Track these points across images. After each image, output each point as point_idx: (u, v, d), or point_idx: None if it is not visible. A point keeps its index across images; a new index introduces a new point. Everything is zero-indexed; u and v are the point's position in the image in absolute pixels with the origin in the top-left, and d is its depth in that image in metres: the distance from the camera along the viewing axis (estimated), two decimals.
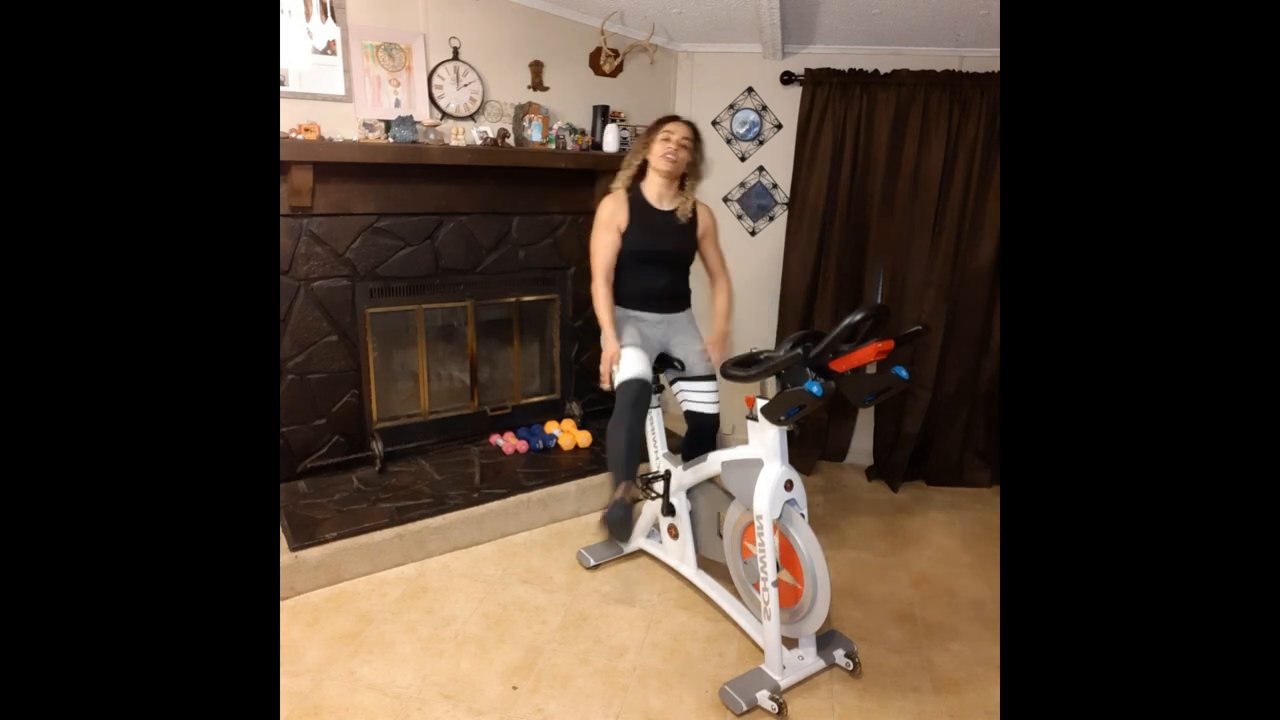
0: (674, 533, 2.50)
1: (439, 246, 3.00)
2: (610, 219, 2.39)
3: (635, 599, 2.42)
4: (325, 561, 2.40)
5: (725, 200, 3.55)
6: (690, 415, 2.47)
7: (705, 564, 2.46)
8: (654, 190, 2.43)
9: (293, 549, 2.39)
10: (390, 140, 2.69)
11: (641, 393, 2.32)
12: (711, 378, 2.47)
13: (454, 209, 2.99)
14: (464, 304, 3.17)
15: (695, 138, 2.43)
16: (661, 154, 2.37)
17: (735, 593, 2.31)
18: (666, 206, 2.44)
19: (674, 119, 2.43)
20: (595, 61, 3.28)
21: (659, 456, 2.49)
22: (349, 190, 2.74)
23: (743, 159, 3.49)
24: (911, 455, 3.37)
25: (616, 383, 2.36)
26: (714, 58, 3.44)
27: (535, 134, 3.02)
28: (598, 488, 3.01)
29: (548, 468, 3.06)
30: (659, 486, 2.45)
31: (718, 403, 2.49)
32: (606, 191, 2.48)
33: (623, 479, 2.32)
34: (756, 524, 1.99)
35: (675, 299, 2.51)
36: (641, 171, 2.45)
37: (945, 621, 2.38)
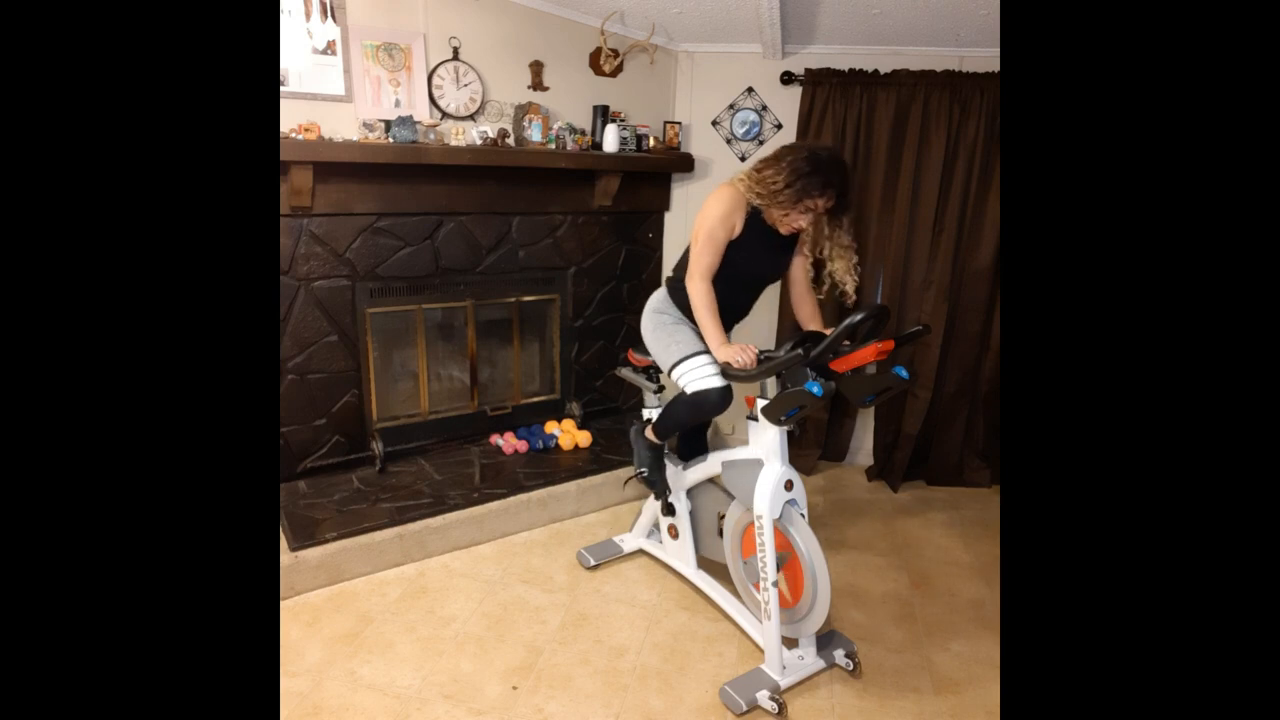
0: (674, 533, 2.50)
1: (439, 246, 3.00)
2: (727, 218, 2.05)
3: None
4: (325, 561, 2.40)
5: None
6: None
7: (705, 564, 2.46)
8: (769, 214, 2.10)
9: (293, 549, 2.39)
10: (390, 140, 2.69)
11: (724, 398, 2.07)
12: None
13: (454, 209, 2.99)
14: (464, 304, 3.16)
15: (838, 209, 2.05)
16: (790, 223, 2.04)
17: (735, 593, 2.31)
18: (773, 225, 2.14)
19: (837, 189, 1.98)
20: (595, 61, 3.27)
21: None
22: (349, 190, 2.74)
23: (742, 159, 3.48)
24: (911, 455, 3.37)
25: (692, 389, 2.11)
26: (714, 58, 3.44)
27: (535, 134, 3.01)
28: (598, 487, 3.01)
29: (548, 468, 3.06)
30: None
31: None
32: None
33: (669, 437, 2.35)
34: (756, 524, 1.99)
35: (740, 319, 2.32)
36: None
37: (945, 621, 2.38)
